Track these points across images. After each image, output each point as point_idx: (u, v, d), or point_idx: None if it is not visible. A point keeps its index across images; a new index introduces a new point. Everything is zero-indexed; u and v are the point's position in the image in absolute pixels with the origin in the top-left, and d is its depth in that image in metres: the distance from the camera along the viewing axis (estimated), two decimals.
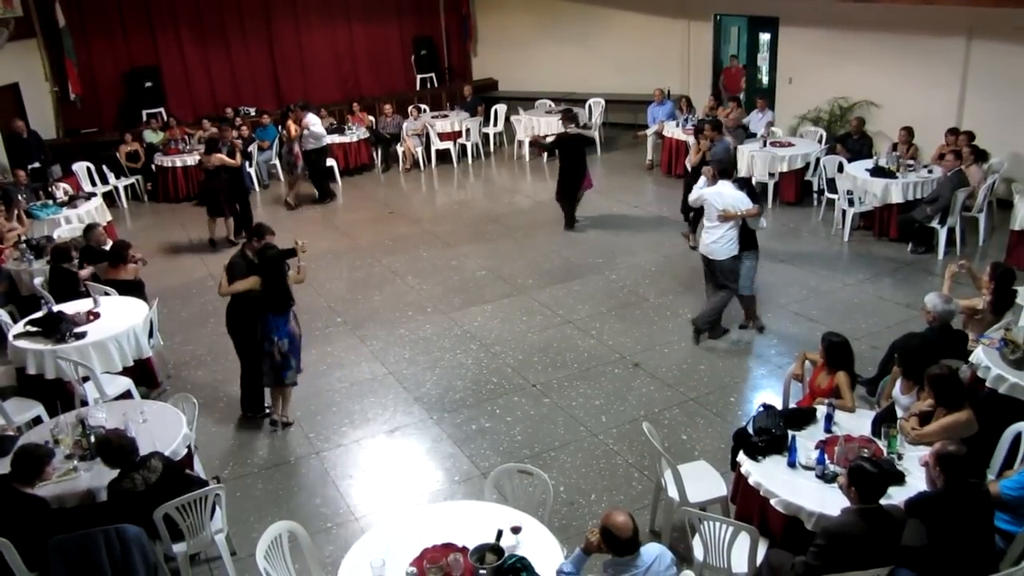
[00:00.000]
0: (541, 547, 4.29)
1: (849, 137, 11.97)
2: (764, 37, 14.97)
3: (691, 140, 10.54)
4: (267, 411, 7.29)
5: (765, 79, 15.11)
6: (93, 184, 13.51)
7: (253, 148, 14.42)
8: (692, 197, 8.40)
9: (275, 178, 15.05)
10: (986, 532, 4.28)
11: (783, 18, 14.03)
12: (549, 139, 12.26)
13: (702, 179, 8.37)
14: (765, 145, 12.06)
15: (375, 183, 14.88)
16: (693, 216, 10.38)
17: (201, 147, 13.88)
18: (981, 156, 10.34)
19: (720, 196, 7.87)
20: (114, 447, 4.95)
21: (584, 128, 12.01)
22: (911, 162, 10.63)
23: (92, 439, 5.42)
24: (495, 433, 6.88)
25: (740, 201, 7.83)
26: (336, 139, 14.79)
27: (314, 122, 13.00)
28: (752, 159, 11.86)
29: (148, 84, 15.48)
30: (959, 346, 6.22)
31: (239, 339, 7.08)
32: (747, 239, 7.96)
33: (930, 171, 10.38)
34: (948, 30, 11.52)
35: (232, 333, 7.11)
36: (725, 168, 8.19)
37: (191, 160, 13.93)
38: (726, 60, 15.69)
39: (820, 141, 12.51)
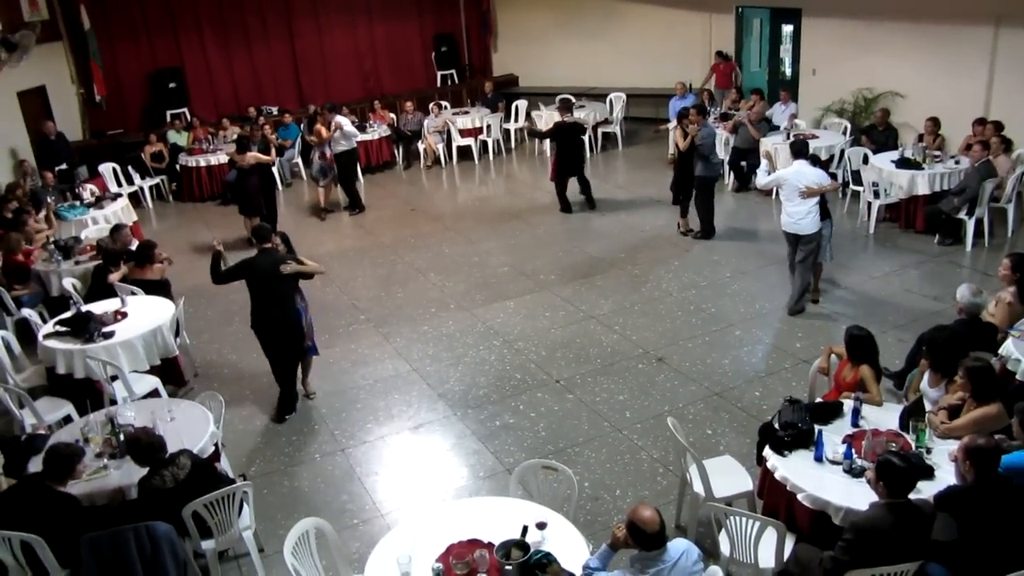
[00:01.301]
0: (567, 543, 4.29)
1: (874, 128, 11.85)
2: (787, 28, 14.82)
3: (671, 126, 10.93)
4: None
5: (788, 71, 14.98)
6: (119, 185, 13.66)
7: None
8: (767, 180, 8.77)
9: (298, 177, 15.15)
10: (1018, 526, 4.23)
11: (806, 9, 13.89)
12: (545, 127, 12.53)
13: (764, 163, 8.84)
14: (789, 137, 11.94)
15: (397, 180, 14.92)
16: (684, 201, 10.74)
17: (227, 147, 14.02)
18: (1009, 146, 10.20)
19: (801, 175, 8.25)
20: (143, 445, 5.01)
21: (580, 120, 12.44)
22: (937, 153, 10.51)
23: (121, 437, 5.49)
24: (519, 429, 6.89)
25: (821, 177, 8.28)
26: (358, 137, 14.81)
27: (345, 122, 12.71)
28: (775, 152, 11.76)
29: (172, 85, 15.66)
30: (988, 338, 6.16)
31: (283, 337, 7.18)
32: (822, 210, 8.40)
33: (957, 162, 10.26)
34: (975, 18, 11.36)
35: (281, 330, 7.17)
36: (800, 149, 8.51)
37: (215, 160, 14.07)
38: (747, 53, 15.59)
39: (844, 133, 12.39)
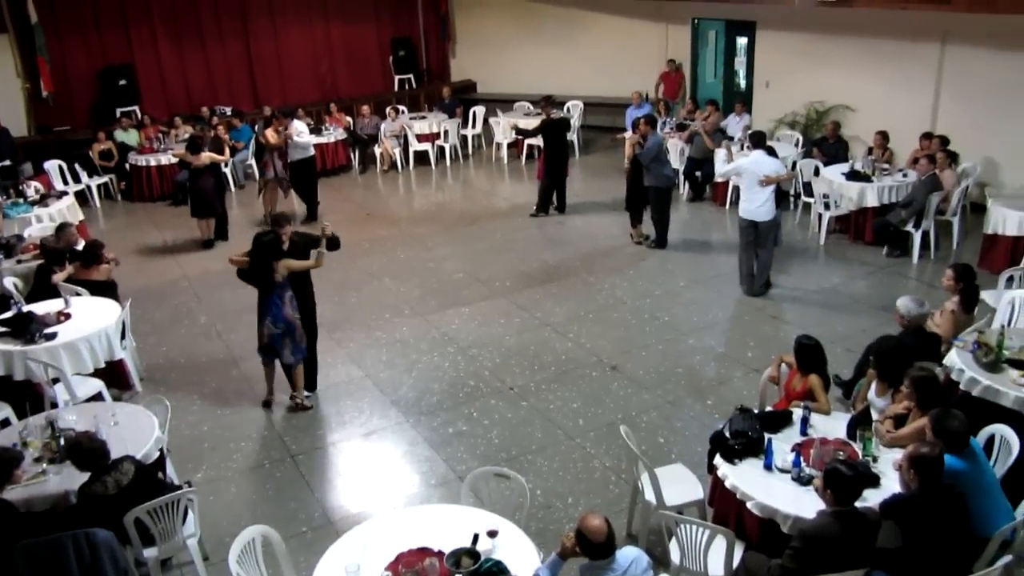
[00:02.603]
0: (518, 551, 4.27)
1: (825, 141, 12.07)
2: (741, 41, 15.06)
3: (628, 135, 11.14)
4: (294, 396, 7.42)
5: (743, 83, 15.21)
6: (65, 183, 13.31)
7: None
8: (724, 170, 9.25)
9: (251, 178, 14.92)
10: (961, 533, 4.31)
11: (760, 22, 14.13)
12: (532, 126, 12.58)
13: (722, 153, 9.22)
14: (742, 148, 12.11)
15: (352, 184, 14.81)
16: (635, 211, 10.88)
17: (178, 146, 13.77)
18: (955, 159, 10.46)
19: (760, 164, 8.66)
20: (84, 450, 4.88)
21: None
22: (886, 166, 10.74)
23: (62, 442, 5.33)
24: (472, 436, 6.85)
25: (778, 167, 8.79)
26: (313, 140, 14.65)
27: (300, 130, 12.25)
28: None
29: (122, 82, 15.30)
30: (933, 349, 6.28)
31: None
32: (779, 198, 8.90)
33: (905, 175, 10.49)
34: (923, 35, 11.65)
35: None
36: (759, 140, 8.92)
37: (166, 159, 13.82)
38: (703, 64, 15.80)
39: (797, 145, 12.60)
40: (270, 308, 6.98)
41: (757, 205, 8.71)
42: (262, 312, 7.04)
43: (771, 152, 8.98)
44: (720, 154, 9.19)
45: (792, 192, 11.93)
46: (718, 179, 9.62)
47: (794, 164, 11.80)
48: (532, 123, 14.19)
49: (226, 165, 11.97)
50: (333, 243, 7.32)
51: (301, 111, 14.83)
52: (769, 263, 9.12)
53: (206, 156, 11.11)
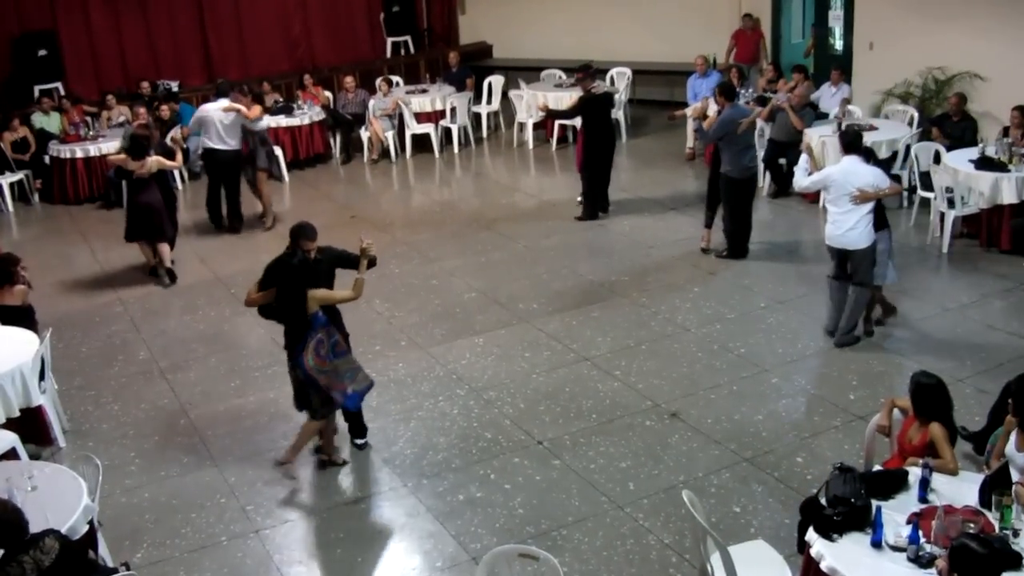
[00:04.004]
0: None
1: (948, 119, 12.03)
2: None
3: (689, 111, 11.22)
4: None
5: (839, 44, 15.22)
6: None
7: (176, 133, 14.33)
8: (807, 182, 8.90)
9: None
10: None
11: None
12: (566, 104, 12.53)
13: (804, 159, 8.95)
14: (840, 128, 12.11)
15: (332, 178, 14.95)
16: (713, 208, 10.88)
17: (111, 132, 13.97)
18: None
19: (853, 175, 8.36)
20: None
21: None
22: None
23: None
24: (489, 505, 6.87)
25: (878, 177, 8.43)
26: (283, 122, 14.85)
27: (210, 109, 12.17)
28: (824, 146, 11.92)
29: (42, 53, 15.53)
30: None
31: None
32: (878, 217, 8.51)
33: None
34: None
35: None
36: (852, 142, 8.62)
37: (95, 149, 13.99)
38: (788, 20, 15.84)
39: (911, 124, 12.59)
40: (297, 351, 6.97)
41: (847, 228, 8.39)
42: (291, 361, 7.10)
43: (870, 158, 8.73)
44: (801, 162, 9.00)
45: (906, 185, 11.90)
46: (799, 190, 9.42)
47: (907, 148, 11.78)
48: (566, 99, 14.29)
49: (181, 178, 11.89)
50: (372, 264, 7.36)
51: (267, 85, 14.96)
52: (861, 306, 8.74)
53: (153, 161, 10.77)
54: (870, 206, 8.33)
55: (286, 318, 7.06)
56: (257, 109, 12.36)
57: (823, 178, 8.61)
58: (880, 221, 8.51)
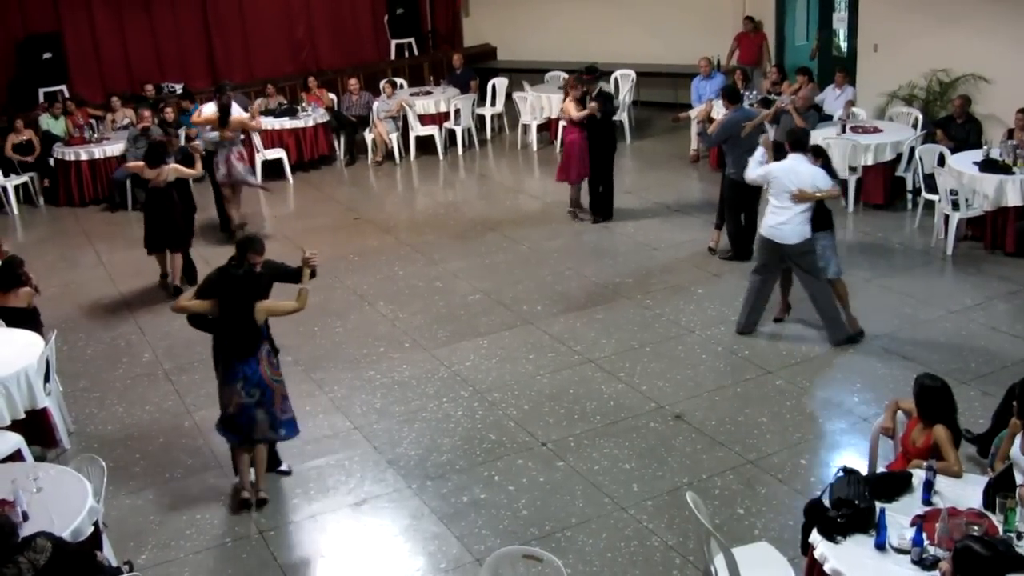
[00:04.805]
0: None
1: (952, 121, 12.01)
2: None
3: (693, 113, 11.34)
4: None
5: (843, 46, 15.21)
6: None
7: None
8: (753, 175, 9.01)
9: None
10: None
11: None
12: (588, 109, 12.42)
13: (759, 152, 9.00)
14: (844, 131, 12.13)
15: (336, 180, 14.97)
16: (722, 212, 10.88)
17: (116, 135, 13.99)
18: None
19: (794, 173, 8.43)
20: None
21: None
22: None
23: None
24: (493, 506, 6.88)
25: (818, 179, 8.43)
26: (287, 124, 14.90)
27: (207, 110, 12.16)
28: (828, 149, 11.91)
29: (47, 55, 15.55)
30: None
31: None
32: (820, 217, 8.60)
33: None
34: None
35: None
36: (798, 139, 8.68)
37: (100, 152, 14.03)
38: (791, 22, 15.83)
39: (915, 126, 12.58)
40: (242, 367, 6.79)
41: (780, 221, 8.51)
42: (229, 373, 6.84)
43: (818, 156, 8.74)
44: (756, 154, 9.04)
45: (910, 187, 11.90)
46: (748, 181, 9.38)
47: (912, 151, 11.78)
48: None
49: (199, 180, 11.81)
50: (313, 275, 7.23)
51: (271, 87, 14.98)
52: (826, 299, 8.73)
53: (169, 170, 10.49)
54: (806, 205, 8.42)
55: (229, 330, 6.80)
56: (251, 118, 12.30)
57: (766, 172, 8.74)
58: (824, 222, 8.64)
